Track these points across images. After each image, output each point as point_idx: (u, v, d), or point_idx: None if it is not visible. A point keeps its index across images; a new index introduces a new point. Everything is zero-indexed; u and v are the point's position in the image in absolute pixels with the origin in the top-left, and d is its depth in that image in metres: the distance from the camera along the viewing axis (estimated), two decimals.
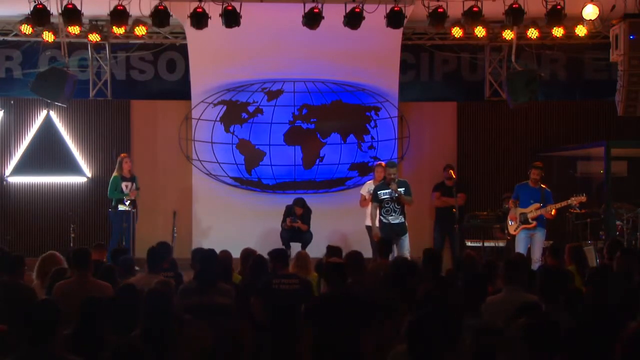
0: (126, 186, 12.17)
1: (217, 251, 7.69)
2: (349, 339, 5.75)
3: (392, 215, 10.74)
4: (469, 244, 12.49)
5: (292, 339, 6.73)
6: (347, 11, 10.98)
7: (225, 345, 5.72)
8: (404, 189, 10.75)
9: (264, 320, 6.76)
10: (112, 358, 4.31)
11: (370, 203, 11.17)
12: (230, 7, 10.82)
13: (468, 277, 6.20)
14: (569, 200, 11.03)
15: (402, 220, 10.76)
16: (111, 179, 12.31)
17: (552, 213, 11.00)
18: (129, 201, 12.35)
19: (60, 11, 10.84)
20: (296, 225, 12.23)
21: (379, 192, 10.82)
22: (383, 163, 11.70)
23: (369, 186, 11.79)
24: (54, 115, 13.61)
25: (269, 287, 6.91)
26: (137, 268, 8.70)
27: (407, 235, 10.74)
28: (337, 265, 6.68)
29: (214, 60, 13.26)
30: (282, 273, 7.10)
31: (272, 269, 7.26)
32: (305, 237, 12.27)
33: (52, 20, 11.19)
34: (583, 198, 11.01)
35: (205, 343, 5.23)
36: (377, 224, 10.81)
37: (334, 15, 10.97)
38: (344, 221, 12.85)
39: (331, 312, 6.09)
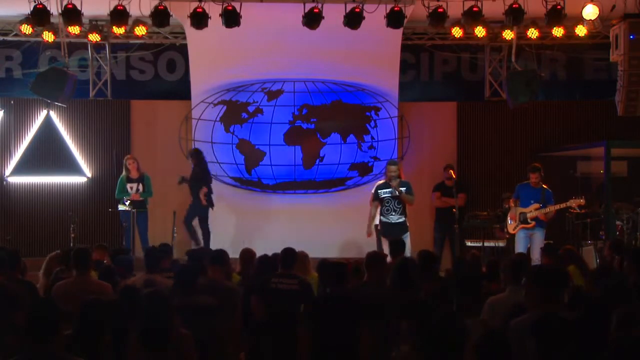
0: (131, 187, 12.17)
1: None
2: (346, 340, 5.74)
3: (392, 215, 10.72)
4: (469, 244, 12.50)
5: (290, 339, 6.73)
6: (347, 11, 10.98)
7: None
8: (405, 188, 10.74)
9: (264, 319, 6.75)
10: None
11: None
12: (230, 7, 10.82)
13: (466, 276, 6.21)
14: (568, 203, 11.04)
15: (403, 219, 10.74)
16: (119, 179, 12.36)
17: (553, 212, 11.01)
18: (128, 201, 12.36)
19: (60, 11, 10.85)
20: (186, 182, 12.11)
21: (379, 191, 10.82)
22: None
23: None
24: (54, 115, 13.61)
25: (266, 286, 6.89)
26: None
27: (408, 235, 10.72)
28: (336, 265, 6.66)
29: (214, 60, 13.26)
30: (283, 272, 7.06)
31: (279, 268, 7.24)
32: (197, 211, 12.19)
33: (52, 20, 11.19)
34: (582, 201, 11.01)
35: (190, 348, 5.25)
36: (375, 222, 10.84)
37: (334, 15, 10.97)
38: (343, 221, 12.84)
39: (329, 313, 6.07)
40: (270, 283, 6.90)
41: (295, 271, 7.22)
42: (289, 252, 7.25)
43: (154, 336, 4.93)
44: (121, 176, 12.30)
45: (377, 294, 6.34)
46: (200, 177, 12.20)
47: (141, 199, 12.17)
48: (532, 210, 11.00)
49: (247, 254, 8.26)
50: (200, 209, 12.15)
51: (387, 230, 10.70)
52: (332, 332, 5.64)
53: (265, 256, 7.81)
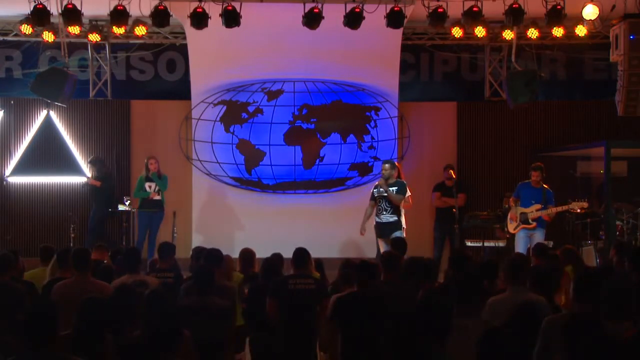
0: (149, 187, 12.40)
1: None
2: (376, 338, 5.78)
3: (384, 214, 10.74)
4: (469, 244, 12.50)
5: (307, 338, 6.75)
6: (347, 11, 10.98)
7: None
8: (396, 187, 10.74)
9: (279, 320, 6.76)
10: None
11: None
12: (230, 7, 10.82)
13: (461, 276, 6.21)
14: (570, 205, 11.03)
15: (395, 218, 10.69)
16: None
17: (554, 213, 11.00)
18: (128, 201, 12.39)
19: (60, 11, 10.85)
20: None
21: (373, 191, 10.89)
22: (397, 163, 11.68)
23: None
24: (54, 115, 13.61)
25: (284, 287, 6.90)
26: None
27: (401, 233, 10.64)
28: (366, 264, 6.70)
29: (214, 60, 13.26)
30: (298, 273, 7.07)
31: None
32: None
33: (52, 20, 11.19)
34: (585, 204, 11.02)
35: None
36: (366, 221, 10.88)
37: (334, 15, 10.96)
38: (343, 221, 12.83)
39: (360, 311, 6.13)
40: (288, 284, 6.91)
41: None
42: (301, 252, 7.24)
43: (164, 337, 4.93)
44: (140, 175, 12.45)
45: (398, 292, 6.45)
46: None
47: (159, 197, 12.36)
48: (533, 211, 11.00)
49: (247, 254, 8.25)
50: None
51: (379, 230, 10.76)
52: (364, 328, 5.70)
53: (271, 258, 7.80)
